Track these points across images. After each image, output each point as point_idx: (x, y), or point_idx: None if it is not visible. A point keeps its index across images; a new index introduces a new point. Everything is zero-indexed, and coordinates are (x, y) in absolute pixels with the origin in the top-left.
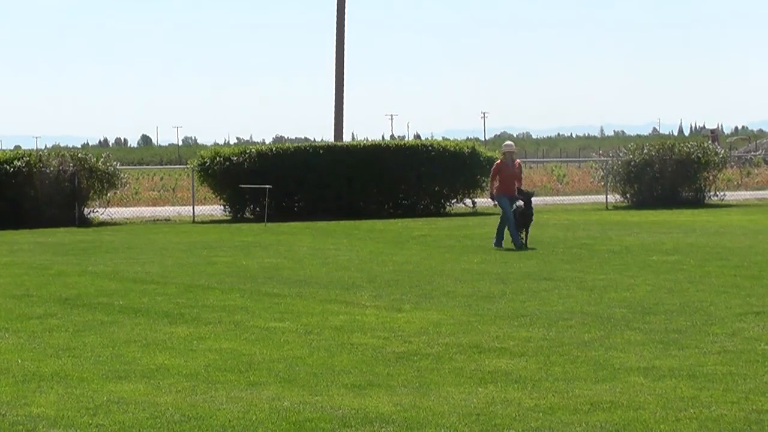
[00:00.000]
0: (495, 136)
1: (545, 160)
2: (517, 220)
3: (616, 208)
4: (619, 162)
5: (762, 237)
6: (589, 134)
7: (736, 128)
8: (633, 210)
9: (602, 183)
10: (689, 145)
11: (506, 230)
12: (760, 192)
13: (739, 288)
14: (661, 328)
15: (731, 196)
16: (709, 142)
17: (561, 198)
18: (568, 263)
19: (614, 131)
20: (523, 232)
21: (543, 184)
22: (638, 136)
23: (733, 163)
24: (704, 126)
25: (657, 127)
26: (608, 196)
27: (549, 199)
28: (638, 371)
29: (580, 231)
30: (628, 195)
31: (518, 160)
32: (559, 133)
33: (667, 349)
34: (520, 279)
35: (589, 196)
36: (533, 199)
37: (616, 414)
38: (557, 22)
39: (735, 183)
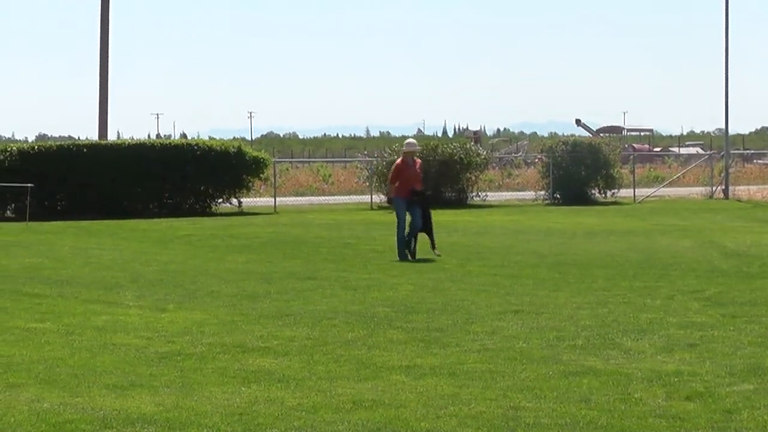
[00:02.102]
0: (261, 135)
1: (311, 160)
2: (412, 227)
3: (380, 208)
4: (384, 162)
5: (522, 237)
6: (355, 135)
7: (498, 130)
8: None
9: (367, 183)
10: (452, 146)
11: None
12: (521, 193)
13: (499, 287)
14: (423, 326)
15: (493, 196)
16: (472, 143)
17: (326, 198)
18: (333, 263)
19: (380, 132)
20: (428, 238)
21: (309, 184)
22: (403, 136)
23: (494, 164)
24: (467, 127)
25: (422, 128)
26: (373, 197)
27: (314, 199)
28: (400, 369)
29: (344, 231)
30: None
31: (419, 160)
32: (325, 134)
33: (428, 347)
34: (285, 278)
35: (354, 197)
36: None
37: (378, 412)
38: (322, 23)
39: (497, 184)
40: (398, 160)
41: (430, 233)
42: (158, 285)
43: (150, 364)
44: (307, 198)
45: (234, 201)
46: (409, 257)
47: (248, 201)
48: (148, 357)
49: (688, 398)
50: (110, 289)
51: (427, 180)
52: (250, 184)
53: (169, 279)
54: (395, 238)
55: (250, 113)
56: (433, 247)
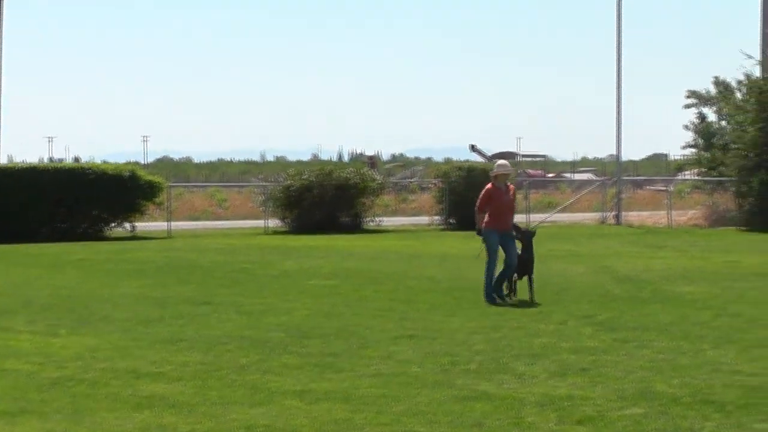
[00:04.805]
0: (156, 159)
1: (206, 184)
2: (506, 266)
3: (275, 232)
4: (279, 187)
5: (417, 262)
6: (250, 159)
7: (394, 155)
8: (292, 235)
9: (262, 208)
10: (348, 171)
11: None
12: (415, 218)
13: (393, 312)
14: (317, 351)
15: (388, 221)
16: (368, 168)
17: (221, 222)
18: (227, 287)
19: (275, 156)
20: (526, 282)
21: (204, 209)
22: (299, 161)
23: (390, 189)
24: (363, 152)
25: (317, 153)
26: (268, 221)
27: (209, 223)
28: (294, 394)
29: (239, 255)
30: (287, 220)
31: (512, 186)
32: (220, 158)
33: (323, 372)
34: (179, 303)
35: (250, 221)
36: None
37: None
38: (216, 48)
39: (392, 209)
40: (488, 186)
41: (530, 277)
42: (50, 310)
43: (41, 389)
44: (201, 222)
45: (127, 225)
46: (498, 300)
47: (142, 225)
48: (40, 382)
49: (580, 422)
50: (1, 315)
51: (323, 205)
52: (144, 209)
53: (62, 304)
54: (489, 274)
55: (145, 137)
56: (532, 297)
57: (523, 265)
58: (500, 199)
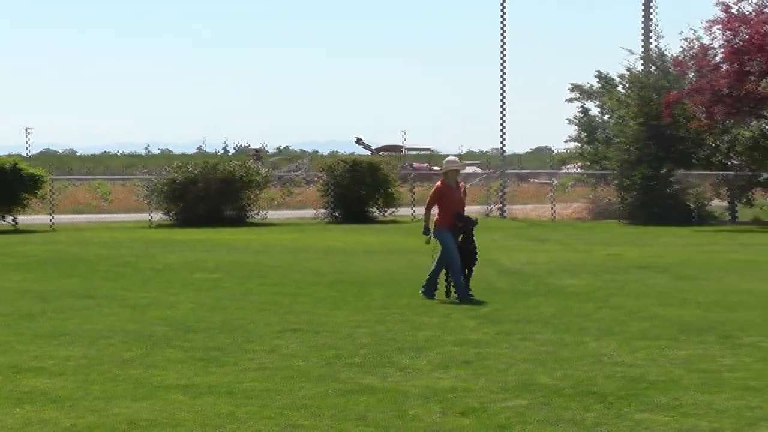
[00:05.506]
0: (39, 152)
1: (90, 177)
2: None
3: (160, 226)
4: (164, 180)
5: (302, 255)
6: (135, 152)
7: (279, 148)
8: (177, 228)
9: (146, 201)
10: (233, 164)
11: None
12: (301, 211)
13: (278, 305)
14: (201, 345)
15: (273, 214)
16: (253, 161)
17: (106, 216)
18: (111, 281)
19: (160, 149)
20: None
21: (87, 202)
22: (184, 154)
23: (275, 183)
24: (249, 145)
25: (202, 146)
26: (152, 215)
27: (93, 216)
28: (178, 389)
29: (123, 249)
30: (172, 213)
31: (463, 183)
32: (104, 151)
33: (206, 366)
34: (62, 297)
35: (134, 214)
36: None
37: None
38: (100, 40)
39: (277, 202)
40: (438, 183)
41: (469, 272)
42: None
43: None
44: (85, 216)
45: (9, 218)
46: (459, 298)
47: (24, 218)
48: None
49: (463, 414)
50: None
51: (208, 198)
52: (27, 202)
53: None
54: (434, 274)
55: (27, 129)
56: (467, 290)
57: (470, 255)
58: (451, 196)
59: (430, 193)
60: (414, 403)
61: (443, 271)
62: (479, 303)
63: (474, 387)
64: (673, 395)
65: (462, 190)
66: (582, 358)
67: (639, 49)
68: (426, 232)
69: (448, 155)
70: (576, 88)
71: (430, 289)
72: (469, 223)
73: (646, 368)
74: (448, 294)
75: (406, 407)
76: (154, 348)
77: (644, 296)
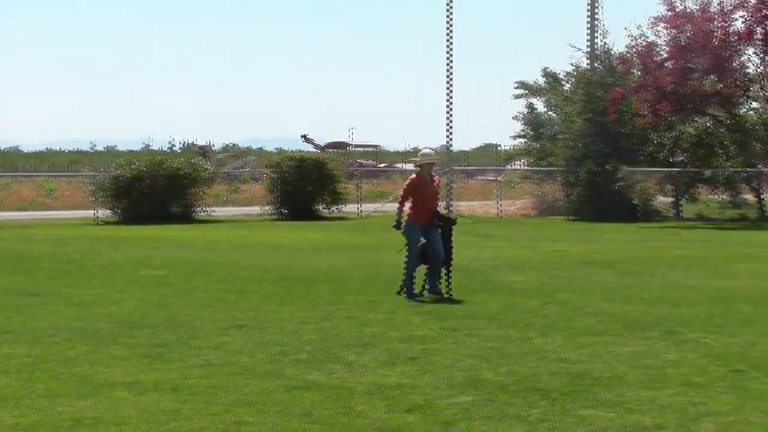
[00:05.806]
0: None
1: (35, 174)
2: (431, 259)
3: (105, 223)
4: (109, 177)
5: (248, 252)
6: (80, 149)
7: (225, 145)
8: (122, 225)
9: (92, 198)
10: (179, 161)
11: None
12: (247, 208)
13: (223, 302)
14: (146, 342)
15: (219, 211)
16: (199, 158)
17: (50, 213)
18: (56, 278)
19: (105, 146)
20: (443, 275)
21: (32, 199)
22: (129, 151)
23: (221, 179)
24: (195, 142)
25: (148, 143)
26: (98, 211)
27: (38, 213)
28: (122, 386)
29: (68, 246)
30: (117, 210)
31: (437, 177)
32: (49, 147)
33: (151, 363)
34: (5, 295)
35: (79, 211)
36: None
37: (99, 429)
38: (40, 32)
39: (223, 199)
40: (412, 176)
41: (448, 269)
42: None
43: None
44: (29, 213)
45: None
46: (429, 295)
47: None
48: None
49: (408, 410)
50: None
51: (154, 195)
52: None
53: None
54: (409, 271)
55: None
56: (449, 288)
57: (446, 254)
58: (426, 189)
59: (405, 186)
60: (359, 399)
61: (421, 267)
62: (422, 302)
63: (419, 383)
64: (618, 391)
65: (436, 182)
66: (527, 355)
67: (584, 46)
68: (398, 227)
69: (394, 151)
70: (522, 85)
71: (410, 290)
72: (448, 223)
73: (590, 364)
74: (423, 291)
75: (351, 404)
76: (99, 345)
77: (589, 292)
